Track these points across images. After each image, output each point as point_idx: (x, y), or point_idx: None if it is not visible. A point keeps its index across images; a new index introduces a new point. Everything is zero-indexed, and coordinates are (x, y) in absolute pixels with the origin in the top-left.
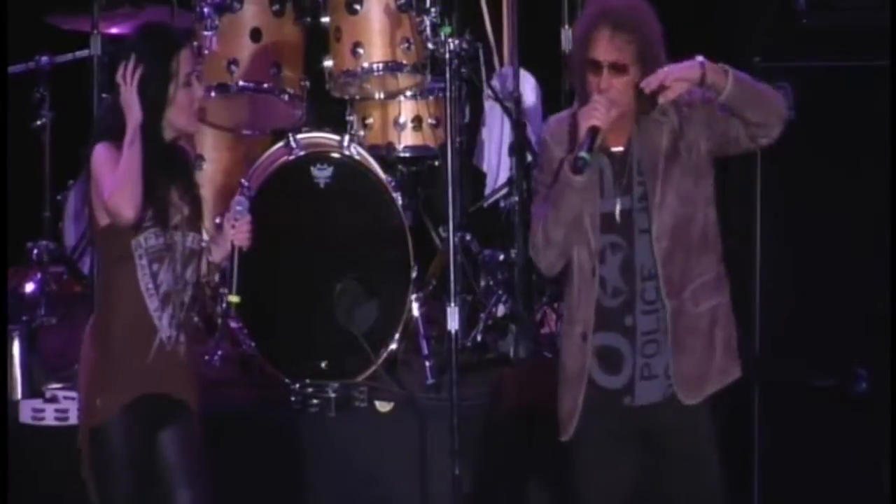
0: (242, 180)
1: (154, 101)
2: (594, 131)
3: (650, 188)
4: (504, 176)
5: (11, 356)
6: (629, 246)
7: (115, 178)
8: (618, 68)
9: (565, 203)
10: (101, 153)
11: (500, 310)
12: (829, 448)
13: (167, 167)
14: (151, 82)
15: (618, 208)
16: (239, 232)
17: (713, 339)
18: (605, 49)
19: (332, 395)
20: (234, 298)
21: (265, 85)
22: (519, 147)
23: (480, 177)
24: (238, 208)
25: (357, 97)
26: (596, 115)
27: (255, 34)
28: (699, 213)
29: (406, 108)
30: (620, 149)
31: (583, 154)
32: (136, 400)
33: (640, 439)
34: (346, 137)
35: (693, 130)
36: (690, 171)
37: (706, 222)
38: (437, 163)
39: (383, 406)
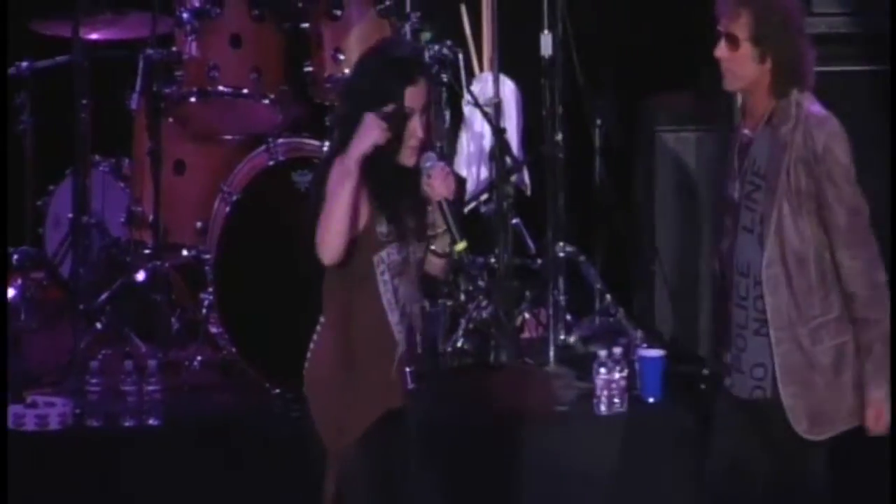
0: (222, 185)
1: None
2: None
3: (765, 208)
4: (484, 181)
5: None
6: (733, 235)
7: (323, 218)
8: (730, 39)
9: None
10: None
11: (481, 315)
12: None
13: (400, 182)
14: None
15: (735, 195)
16: (437, 184)
17: (841, 377)
18: (724, 18)
19: None
20: (461, 245)
21: (245, 90)
22: (499, 152)
23: (460, 182)
24: (427, 164)
25: (338, 102)
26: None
27: (235, 40)
28: (813, 251)
29: None
30: (748, 132)
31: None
32: (381, 417)
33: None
34: (327, 143)
35: (812, 179)
36: (803, 207)
37: (823, 264)
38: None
39: None
